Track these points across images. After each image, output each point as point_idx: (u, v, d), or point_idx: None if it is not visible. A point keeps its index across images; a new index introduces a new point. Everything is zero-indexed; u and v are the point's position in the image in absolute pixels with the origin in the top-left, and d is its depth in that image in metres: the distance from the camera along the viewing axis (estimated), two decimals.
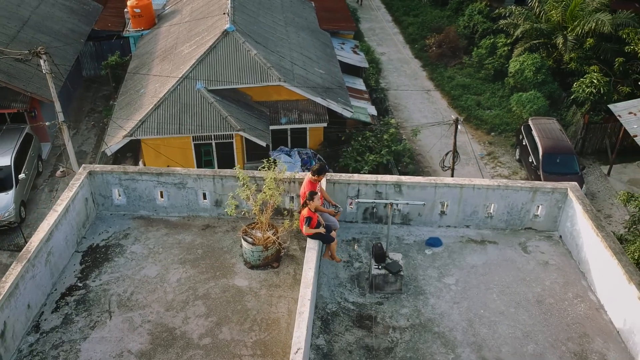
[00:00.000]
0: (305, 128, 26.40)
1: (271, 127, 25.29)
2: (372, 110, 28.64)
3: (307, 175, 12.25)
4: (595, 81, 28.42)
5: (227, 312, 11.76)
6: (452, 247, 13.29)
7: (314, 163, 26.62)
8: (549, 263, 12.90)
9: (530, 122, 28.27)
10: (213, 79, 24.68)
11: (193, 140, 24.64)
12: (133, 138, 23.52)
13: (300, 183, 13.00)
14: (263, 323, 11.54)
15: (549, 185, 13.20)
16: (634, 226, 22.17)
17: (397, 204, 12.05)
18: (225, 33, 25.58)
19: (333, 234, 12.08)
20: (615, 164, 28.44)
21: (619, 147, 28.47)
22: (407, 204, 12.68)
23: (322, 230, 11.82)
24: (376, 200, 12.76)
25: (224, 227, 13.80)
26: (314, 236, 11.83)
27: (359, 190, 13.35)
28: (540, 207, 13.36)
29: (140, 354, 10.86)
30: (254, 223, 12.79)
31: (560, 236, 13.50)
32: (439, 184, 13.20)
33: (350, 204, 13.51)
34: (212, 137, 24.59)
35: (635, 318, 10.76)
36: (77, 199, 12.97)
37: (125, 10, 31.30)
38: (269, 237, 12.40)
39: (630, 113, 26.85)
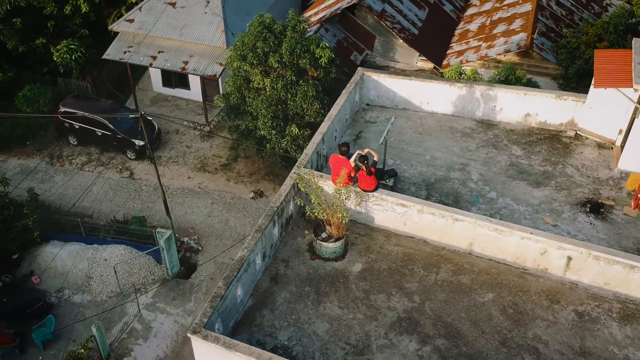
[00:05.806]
0: None
1: None
2: None
3: (340, 157, 14.49)
4: None
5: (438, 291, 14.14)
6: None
7: None
8: (394, 124, 18.95)
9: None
10: None
11: None
12: None
13: None
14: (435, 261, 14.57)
15: (356, 76, 18.73)
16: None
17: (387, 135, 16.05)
18: None
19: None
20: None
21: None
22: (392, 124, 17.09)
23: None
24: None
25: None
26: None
27: None
28: (357, 97, 19.04)
29: None
30: (320, 232, 14.50)
31: (367, 104, 19.65)
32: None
33: None
34: None
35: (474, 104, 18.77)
36: None
37: None
38: (341, 225, 14.48)
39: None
